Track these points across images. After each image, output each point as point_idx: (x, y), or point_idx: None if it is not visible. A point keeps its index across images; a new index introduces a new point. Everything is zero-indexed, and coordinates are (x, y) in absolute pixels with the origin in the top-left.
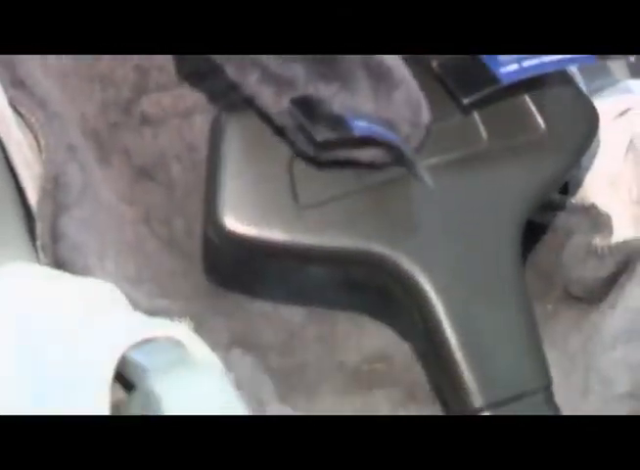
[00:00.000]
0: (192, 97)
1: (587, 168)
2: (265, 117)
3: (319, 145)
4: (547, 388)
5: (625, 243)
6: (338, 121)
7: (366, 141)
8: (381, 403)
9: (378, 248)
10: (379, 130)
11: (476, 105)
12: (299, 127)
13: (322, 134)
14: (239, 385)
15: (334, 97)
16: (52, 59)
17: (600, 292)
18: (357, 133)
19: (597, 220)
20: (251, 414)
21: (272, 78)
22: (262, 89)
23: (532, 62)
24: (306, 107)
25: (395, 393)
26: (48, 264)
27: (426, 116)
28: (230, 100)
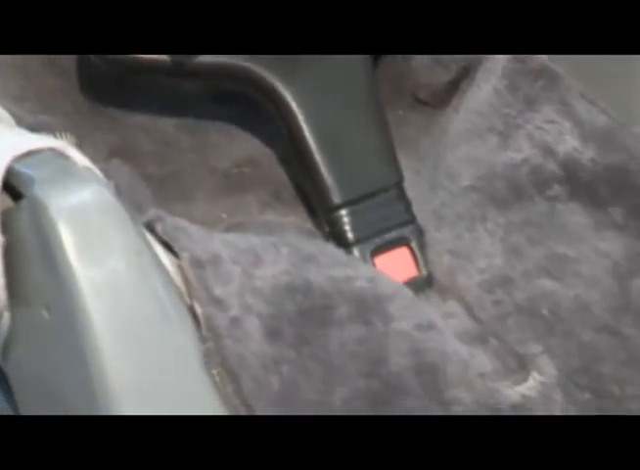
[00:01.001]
0: None
1: None
2: None
3: None
4: (398, 184)
5: None
6: None
7: None
8: (251, 204)
9: (245, 63)
10: None
11: None
12: None
13: None
14: (118, 192)
15: None
16: None
17: (445, 97)
18: None
19: None
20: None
21: None
22: None
23: None
24: None
25: (263, 194)
26: None
27: None
28: None
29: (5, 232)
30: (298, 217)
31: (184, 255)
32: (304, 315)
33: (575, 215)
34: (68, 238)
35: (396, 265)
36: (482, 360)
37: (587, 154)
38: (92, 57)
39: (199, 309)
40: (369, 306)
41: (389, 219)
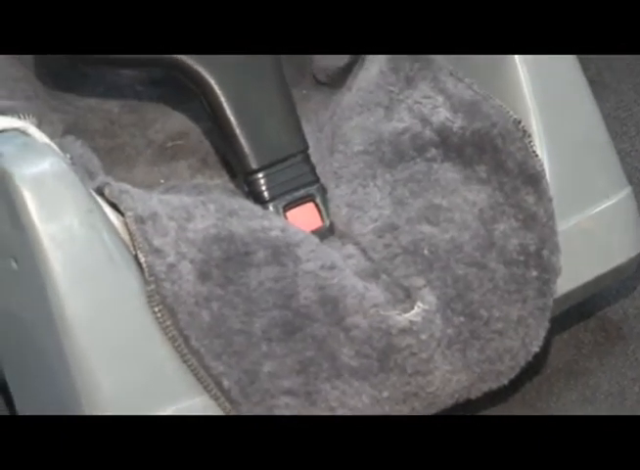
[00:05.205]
0: None
1: None
2: None
3: None
4: (304, 151)
5: None
6: None
7: None
8: (183, 170)
9: (175, 55)
10: None
11: None
12: None
13: None
14: (72, 162)
15: None
16: None
17: (340, 78)
18: None
19: None
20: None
21: None
22: None
23: None
24: None
25: (193, 161)
26: None
27: None
28: None
29: None
30: (223, 180)
31: (128, 213)
32: (229, 260)
33: (448, 173)
34: (30, 201)
35: (304, 218)
36: (376, 293)
37: (457, 122)
38: None
39: (142, 258)
40: (282, 252)
41: (298, 180)
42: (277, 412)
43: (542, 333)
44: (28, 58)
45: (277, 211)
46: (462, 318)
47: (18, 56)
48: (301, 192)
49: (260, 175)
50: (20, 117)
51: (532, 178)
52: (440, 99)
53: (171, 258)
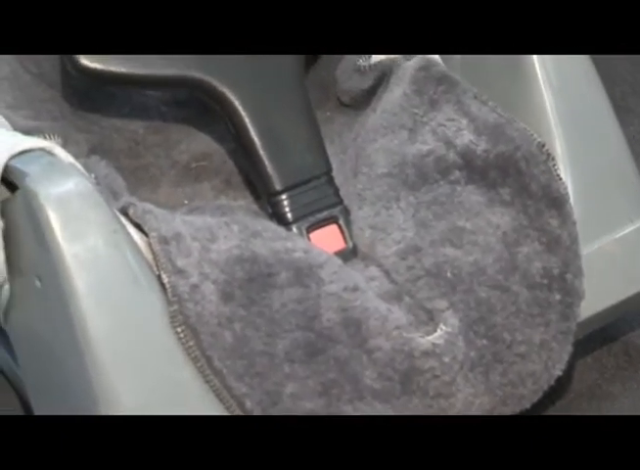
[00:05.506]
0: None
1: None
2: None
3: None
4: (328, 173)
5: (381, 62)
6: None
7: None
8: (206, 191)
9: (199, 75)
10: None
11: None
12: None
13: None
14: (97, 182)
15: None
16: None
17: (364, 100)
18: None
19: None
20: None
21: None
22: None
23: None
24: None
25: (217, 182)
26: None
27: None
28: None
29: (3, 217)
30: (246, 201)
31: (152, 234)
32: (252, 281)
33: (472, 195)
34: (55, 220)
35: (328, 239)
36: (399, 315)
37: (481, 145)
38: (73, 71)
39: (165, 278)
40: (305, 273)
41: (321, 201)
42: None
43: (565, 357)
44: (53, 78)
45: (300, 233)
46: (485, 341)
47: (42, 76)
48: (325, 214)
49: (284, 197)
50: (45, 138)
51: (556, 201)
52: (464, 122)
53: (194, 279)
